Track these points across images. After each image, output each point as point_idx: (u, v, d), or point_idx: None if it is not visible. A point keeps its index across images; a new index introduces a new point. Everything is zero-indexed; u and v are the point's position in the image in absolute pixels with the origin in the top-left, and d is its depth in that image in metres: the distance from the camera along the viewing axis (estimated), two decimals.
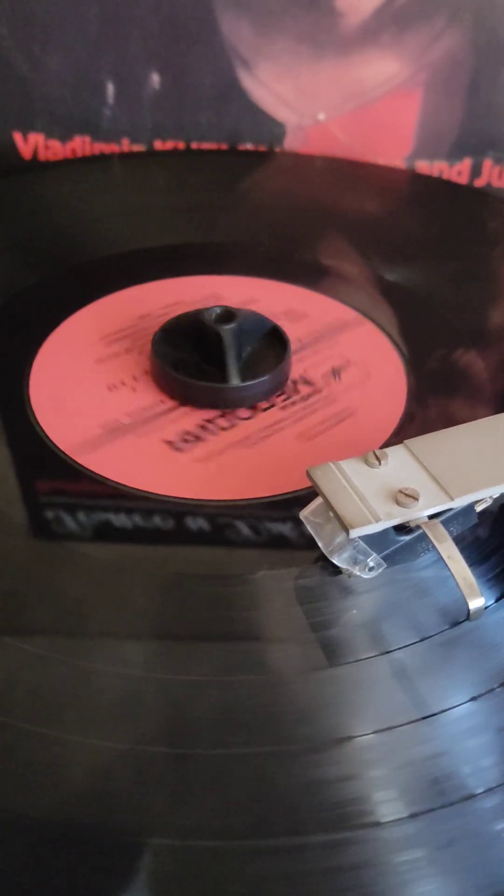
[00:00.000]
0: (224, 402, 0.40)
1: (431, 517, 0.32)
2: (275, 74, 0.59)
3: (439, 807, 0.27)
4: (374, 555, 0.32)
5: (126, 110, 0.60)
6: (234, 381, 0.40)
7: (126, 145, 0.61)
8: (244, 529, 0.35)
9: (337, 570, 0.33)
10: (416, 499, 0.31)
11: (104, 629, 0.32)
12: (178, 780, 0.28)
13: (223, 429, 0.40)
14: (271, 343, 0.42)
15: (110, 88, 0.59)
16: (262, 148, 0.61)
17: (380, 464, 0.33)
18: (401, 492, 0.32)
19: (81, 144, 0.60)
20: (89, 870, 0.26)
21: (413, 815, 0.27)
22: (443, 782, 0.28)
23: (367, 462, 0.33)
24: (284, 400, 0.41)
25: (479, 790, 0.28)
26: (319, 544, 0.32)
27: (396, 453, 0.33)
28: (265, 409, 0.41)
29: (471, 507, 0.33)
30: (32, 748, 0.28)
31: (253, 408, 0.41)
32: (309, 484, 0.33)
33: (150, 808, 0.27)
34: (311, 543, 0.33)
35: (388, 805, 0.28)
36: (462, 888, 0.26)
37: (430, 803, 0.28)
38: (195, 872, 0.26)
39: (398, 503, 0.31)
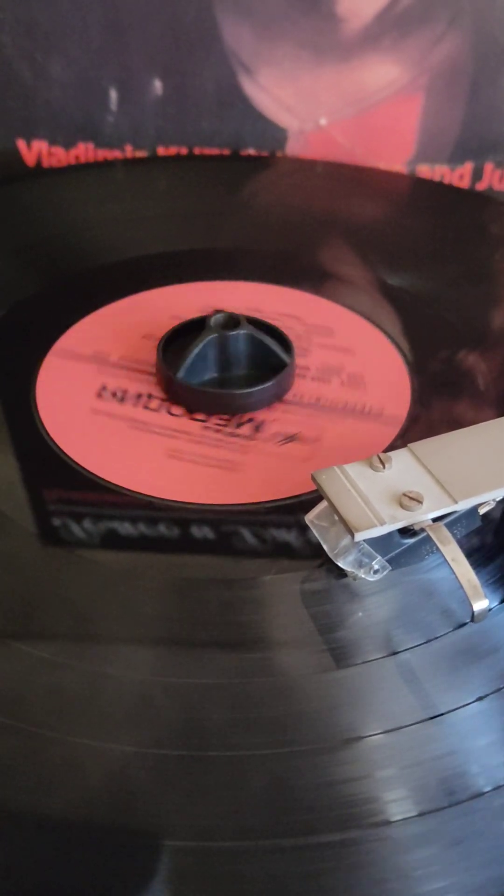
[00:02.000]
0: (229, 408, 0.41)
1: (435, 520, 0.32)
2: (276, 80, 0.59)
3: (448, 805, 0.28)
4: (379, 557, 0.32)
5: (129, 117, 0.60)
6: (238, 387, 0.41)
7: (129, 151, 0.61)
8: (250, 533, 0.36)
9: (342, 574, 0.33)
10: (420, 502, 0.32)
11: (114, 633, 0.32)
12: (189, 781, 0.28)
13: (229, 434, 0.40)
14: (276, 349, 0.42)
15: (113, 95, 0.59)
16: (265, 153, 0.61)
17: (384, 467, 0.33)
18: (405, 495, 0.32)
19: (85, 151, 0.61)
20: (105, 871, 0.26)
21: (422, 814, 0.28)
22: (451, 781, 0.28)
23: (371, 466, 0.33)
24: (289, 405, 0.41)
25: (488, 788, 0.28)
26: (325, 547, 0.33)
27: (400, 457, 0.33)
28: (271, 414, 0.41)
29: (474, 509, 0.33)
30: (46, 751, 0.29)
31: (257, 412, 0.41)
32: (314, 488, 0.33)
33: (163, 810, 0.28)
34: (316, 547, 0.33)
35: (397, 804, 0.28)
36: (471, 886, 0.26)
37: (438, 802, 0.28)
38: (207, 872, 0.26)
39: (402, 506, 0.32)
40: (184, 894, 0.26)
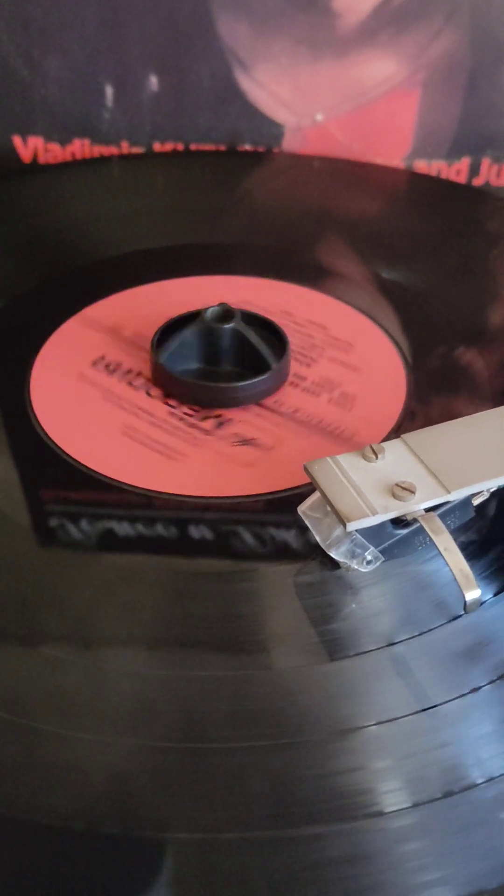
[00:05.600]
0: (224, 401, 0.41)
1: (428, 510, 0.32)
2: (273, 75, 0.59)
3: (442, 796, 0.28)
4: (372, 548, 0.32)
5: (125, 113, 0.60)
6: (233, 380, 0.41)
7: (125, 147, 0.61)
8: (243, 526, 0.36)
9: (336, 565, 0.33)
10: (413, 492, 0.32)
11: (112, 629, 0.32)
12: (186, 773, 0.28)
13: (222, 427, 0.40)
14: (271, 342, 0.42)
15: (109, 91, 0.59)
16: (261, 149, 0.61)
17: (377, 458, 0.33)
18: (398, 485, 0.32)
19: (81, 147, 0.61)
20: (109, 867, 0.26)
21: (416, 805, 0.28)
22: (445, 773, 0.28)
23: (364, 456, 0.33)
24: (284, 398, 0.41)
25: (481, 780, 0.28)
26: (317, 538, 0.33)
27: (393, 447, 0.33)
28: (265, 407, 0.41)
29: (468, 500, 0.33)
30: (50, 750, 0.29)
31: (252, 406, 0.41)
32: (307, 480, 0.33)
33: (161, 802, 0.28)
34: (310, 539, 0.33)
35: (391, 795, 0.28)
36: (466, 877, 0.26)
37: (433, 793, 0.28)
38: (204, 863, 0.26)
39: (395, 497, 0.32)
40: (182, 885, 0.26)
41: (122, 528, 0.35)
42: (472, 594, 0.30)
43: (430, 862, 0.27)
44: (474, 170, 0.61)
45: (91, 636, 0.32)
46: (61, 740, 0.29)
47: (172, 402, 0.41)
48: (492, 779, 0.28)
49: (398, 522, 0.32)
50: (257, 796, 0.28)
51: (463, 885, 0.26)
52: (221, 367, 0.41)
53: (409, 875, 0.26)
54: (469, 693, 0.30)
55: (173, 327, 0.43)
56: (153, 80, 0.59)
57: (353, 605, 0.33)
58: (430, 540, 0.31)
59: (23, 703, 0.30)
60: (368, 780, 0.28)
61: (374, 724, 0.29)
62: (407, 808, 0.27)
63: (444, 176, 0.61)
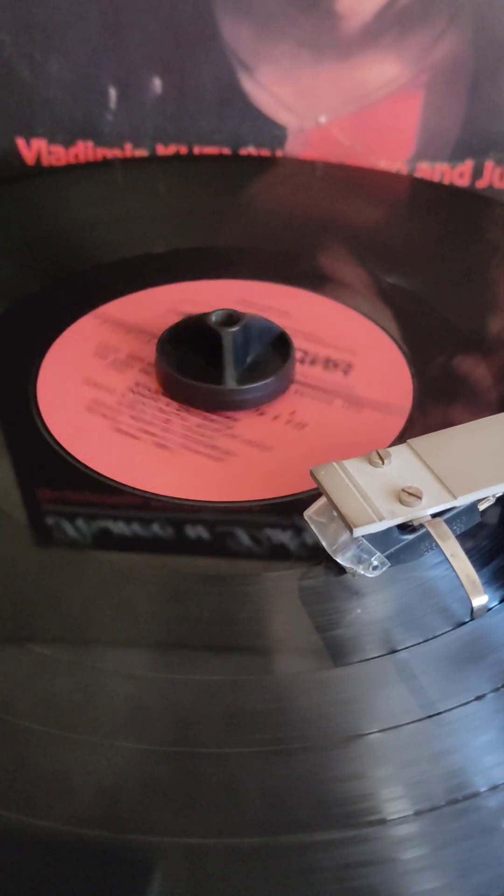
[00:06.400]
0: (228, 405, 0.41)
1: (435, 516, 0.32)
2: (276, 78, 0.59)
3: (445, 804, 0.27)
4: (378, 553, 0.32)
5: (128, 115, 0.60)
6: (238, 383, 0.41)
7: (128, 150, 0.61)
8: (248, 531, 0.35)
9: (341, 570, 0.33)
10: (420, 497, 0.31)
11: (109, 632, 0.32)
12: (185, 780, 0.28)
13: (227, 431, 0.40)
14: (275, 346, 0.42)
15: (112, 93, 0.59)
16: (264, 151, 0.61)
17: (383, 463, 0.33)
18: (404, 490, 0.32)
19: (84, 149, 0.61)
20: (98, 873, 0.26)
21: (419, 813, 0.27)
22: (449, 780, 0.28)
23: (370, 461, 0.33)
24: (289, 401, 0.41)
25: (485, 788, 0.28)
26: (323, 544, 0.33)
27: (400, 453, 0.33)
28: (269, 412, 0.41)
29: (474, 505, 0.33)
30: (41, 752, 0.29)
31: (257, 410, 0.41)
32: (313, 485, 0.33)
33: (158, 807, 0.27)
34: (315, 544, 0.33)
35: (393, 803, 0.28)
36: (468, 885, 0.26)
37: (435, 801, 0.28)
38: (202, 870, 0.26)
39: (401, 502, 0.31)
40: (179, 891, 0.26)
41: (126, 531, 0.35)
42: (479, 600, 0.30)
43: (431, 870, 0.26)
44: (477, 172, 0.61)
45: (93, 638, 0.32)
46: (54, 742, 0.29)
47: (177, 406, 0.41)
48: (495, 787, 0.28)
49: (404, 528, 0.32)
50: (257, 802, 0.28)
51: (465, 894, 0.26)
52: (226, 370, 0.41)
53: (411, 883, 0.26)
54: (473, 700, 0.30)
55: (178, 330, 0.43)
56: (156, 83, 0.59)
57: (359, 611, 0.33)
58: (437, 545, 0.31)
59: (16, 703, 0.30)
60: (371, 788, 0.28)
61: (378, 732, 0.29)
62: (409, 816, 0.27)
63: (447, 178, 0.61)
